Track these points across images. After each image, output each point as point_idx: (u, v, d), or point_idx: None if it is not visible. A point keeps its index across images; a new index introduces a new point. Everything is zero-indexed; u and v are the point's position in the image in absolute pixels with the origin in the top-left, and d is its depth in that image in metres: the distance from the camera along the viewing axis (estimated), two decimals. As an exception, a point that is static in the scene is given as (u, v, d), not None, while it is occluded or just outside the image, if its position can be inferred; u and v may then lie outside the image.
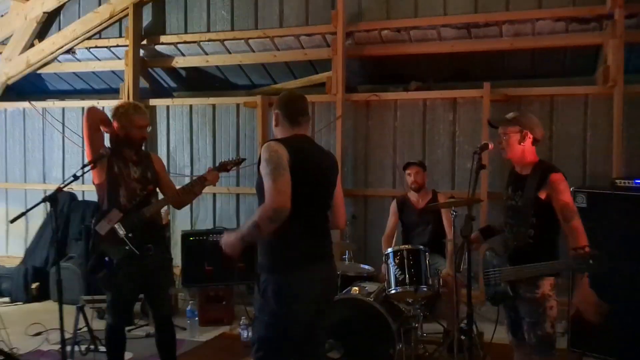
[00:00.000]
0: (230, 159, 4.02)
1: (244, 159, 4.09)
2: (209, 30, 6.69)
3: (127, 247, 3.56)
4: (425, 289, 4.31)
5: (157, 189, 3.89)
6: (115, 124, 3.72)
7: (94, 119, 3.73)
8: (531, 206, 3.24)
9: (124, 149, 3.73)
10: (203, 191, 3.99)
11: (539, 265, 3.11)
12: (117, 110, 3.75)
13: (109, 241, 3.60)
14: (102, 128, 3.76)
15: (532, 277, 3.16)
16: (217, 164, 3.98)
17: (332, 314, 4.12)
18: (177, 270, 6.13)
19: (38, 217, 7.04)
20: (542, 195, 3.22)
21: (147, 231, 3.66)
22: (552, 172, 3.26)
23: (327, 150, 3.09)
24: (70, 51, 7.17)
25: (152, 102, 6.95)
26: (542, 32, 5.64)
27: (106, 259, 3.63)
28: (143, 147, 3.85)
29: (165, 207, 4.98)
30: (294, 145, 2.75)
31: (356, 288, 4.40)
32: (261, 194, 2.68)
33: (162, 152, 6.90)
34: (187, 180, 6.82)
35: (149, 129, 3.83)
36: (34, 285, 6.61)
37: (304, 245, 2.77)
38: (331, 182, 2.96)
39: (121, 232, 3.56)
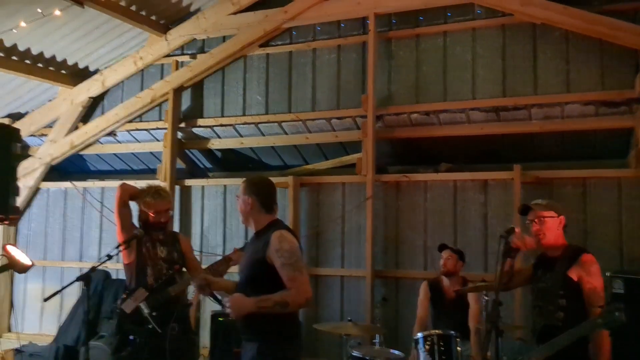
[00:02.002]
0: None
1: None
2: (244, 114, 6.91)
3: (150, 326, 3.58)
4: (455, 377, 4.16)
5: (184, 269, 3.94)
6: (139, 207, 3.85)
7: (124, 193, 3.87)
8: (560, 286, 3.19)
9: (149, 230, 3.81)
10: (230, 271, 4.01)
11: (566, 334, 2.99)
12: (140, 194, 3.88)
13: (133, 320, 3.64)
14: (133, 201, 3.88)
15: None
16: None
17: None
18: (205, 352, 6.07)
19: (73, 294, 7.09)
20: (573, 275, 3.19)
21: (171, 310, 3.68)
22: (584, 253, 3.25)
23: None
24: (112, 133, 7.49)
25: (188, 182, 7.14)
26: (571, 115, 5.64)
27: (131, 337, 3.66)
28: (169, 228, 3.94)
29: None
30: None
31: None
32: (257, 281, 2.98)
33: (195, 231, 7.01)
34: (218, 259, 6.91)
35: (171, 212, 3.91)
36: (64, 365, 6.62)
37: (295, 316, 3.15)
38: None
39: (145, 310, 3.59)
